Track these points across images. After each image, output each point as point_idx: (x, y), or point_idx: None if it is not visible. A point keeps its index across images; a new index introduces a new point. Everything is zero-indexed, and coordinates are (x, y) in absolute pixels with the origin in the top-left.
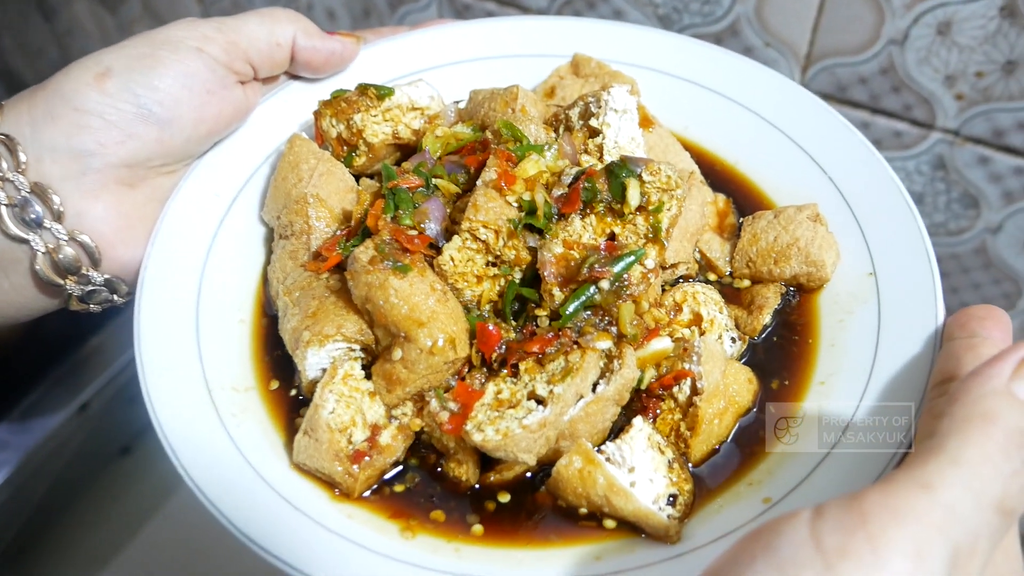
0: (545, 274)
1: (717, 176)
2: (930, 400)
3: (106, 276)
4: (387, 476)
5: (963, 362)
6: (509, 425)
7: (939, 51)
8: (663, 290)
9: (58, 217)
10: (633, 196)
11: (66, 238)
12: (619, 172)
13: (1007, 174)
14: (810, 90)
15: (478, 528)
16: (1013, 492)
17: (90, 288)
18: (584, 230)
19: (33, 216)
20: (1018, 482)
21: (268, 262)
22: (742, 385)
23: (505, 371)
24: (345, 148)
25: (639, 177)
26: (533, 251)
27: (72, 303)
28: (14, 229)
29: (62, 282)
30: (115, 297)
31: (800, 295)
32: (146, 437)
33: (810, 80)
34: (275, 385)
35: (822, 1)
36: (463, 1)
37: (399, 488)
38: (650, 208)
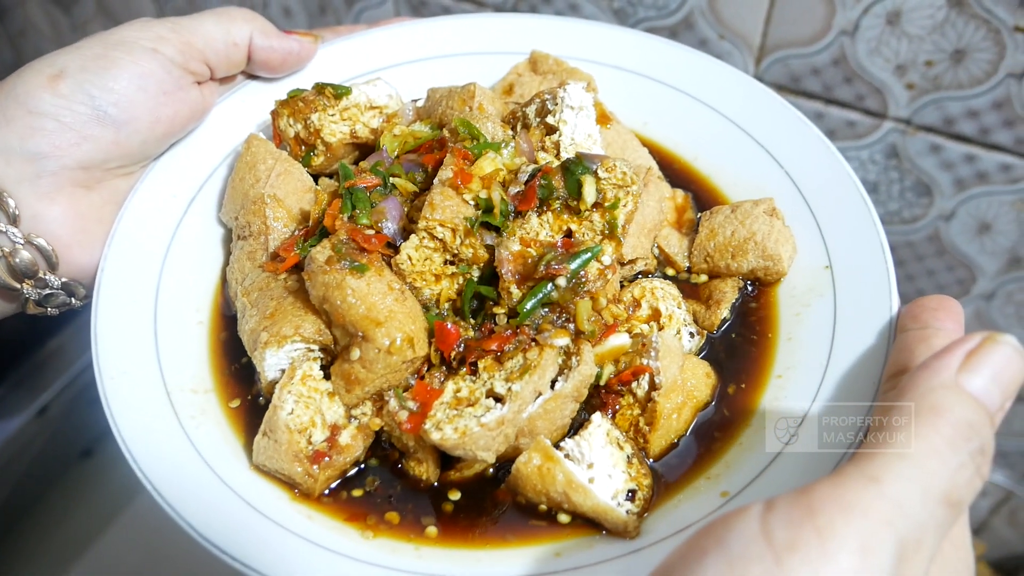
0: (502, 272)
1: (676, 172)
2: (883, 393)
3: (63, 279)
4: (348, 476)
5: (915, 354)
6: (467, 423)
7: (889, 41)
8: (621, 286)
9: (14, 221)
10: (589, 193)
11: (22, 242)
12: (575, 169)
13: (958, 162)
14: (764, 82)
15: (432, 530)
16: (960, 484)
17: (47, 292)
18: (541, 227)
19: None
20: (965, 474)
21: (227, 263)
22: (700, 380)
23: (464, 369)
24: (303, 148)
25: (595, 174)
26: (490, 249)
27: (29, 307)
28: None
29: (19, 286)
30: (73, 300)
31: (758, 289)
32: (107, 440)
33: (764, 71)
34: (234, 396)
35: None
36: None
37: (357, 493)
38: (606, 204)
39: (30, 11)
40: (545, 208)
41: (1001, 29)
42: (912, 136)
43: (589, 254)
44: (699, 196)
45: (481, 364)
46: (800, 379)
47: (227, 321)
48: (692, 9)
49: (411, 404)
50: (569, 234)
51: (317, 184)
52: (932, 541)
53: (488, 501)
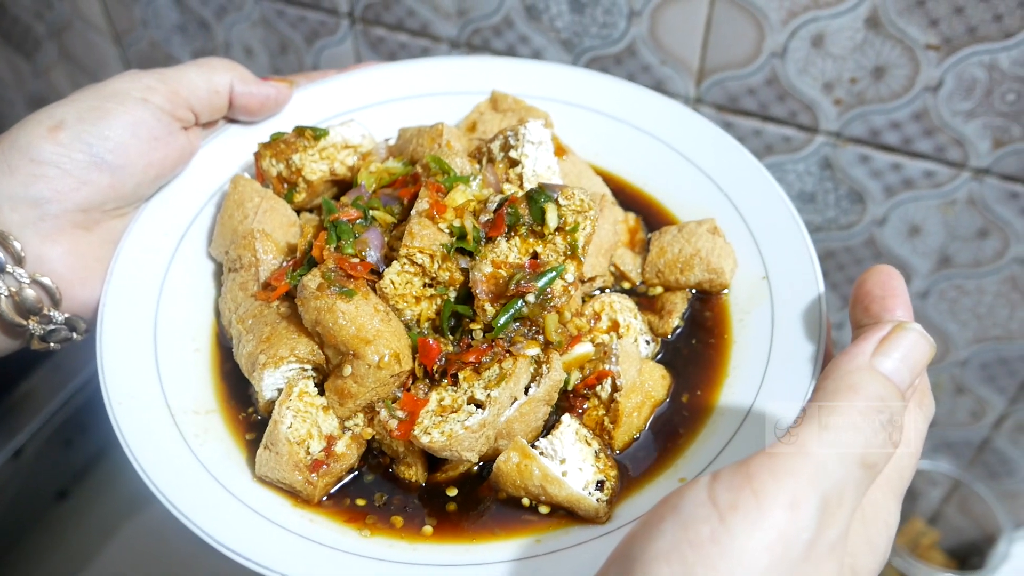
0: (477, 292)
1: (626, 197)
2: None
3: (66, 315)
4: (350, 488)
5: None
6: (453, 427)
7: (815, 61)
8: (583, 301)
9: (19, 261)
10: (551, 218)
11: (28, 280)
12: (538, 198)
13: (886, 170)
14: (704, 102)
15: (428, 529)
16: (873, 448)
17: (51, 327)
18: (510, 251)
19: None
20: (877, 440)
21: (219, 294)
22: (656, 381)
23: (446, 380)
24: (285, 186)
25: (556, 201)
26: (465, 271)
27: (34, 343)
28: None
29: (25, 323)
30: (74, 335)
31: (705, 300)
32: (83, 480)
33: (704, 93)
34: (234, 409)
35: (708, 20)
36: (376, 34)
37: (361, 502)
38: (567, 228)
39: None
40: (513, 233)
41: (914, 47)
42: (843, 148)
43: (554, 273)
44: (649, 218)
45: (461, 375)
46: (744, 377)
47: (222, 347)
48: (634, 38)
49: (400, 413)
50: (535, 256)
51: (299, 218)
52: (851, 497)
53: (473, 499)
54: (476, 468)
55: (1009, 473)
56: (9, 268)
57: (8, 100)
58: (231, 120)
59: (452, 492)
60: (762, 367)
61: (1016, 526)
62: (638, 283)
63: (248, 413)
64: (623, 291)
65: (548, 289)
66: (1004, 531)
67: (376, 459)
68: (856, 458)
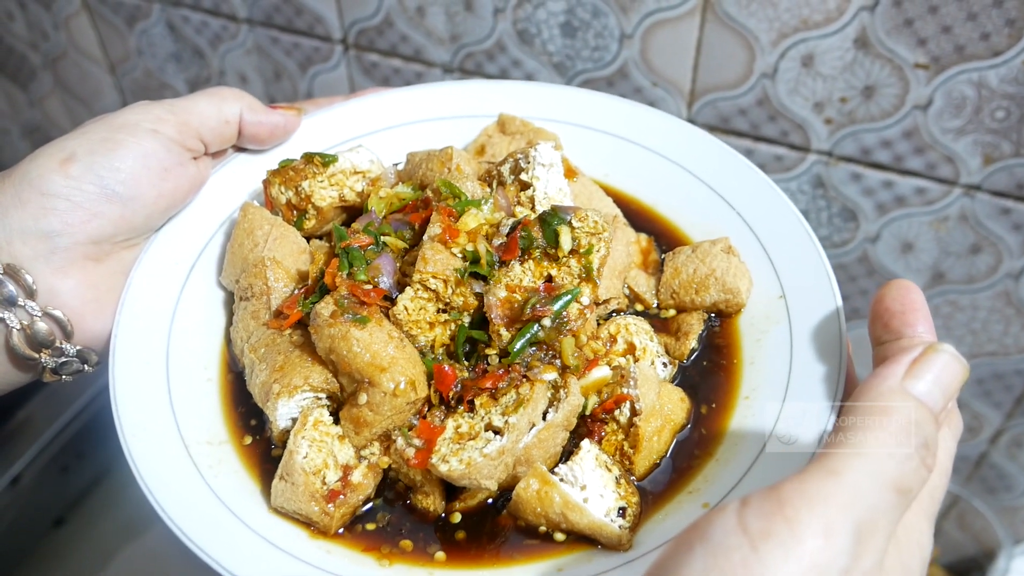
0: (492, 316)
1: (637, 217)
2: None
3: (78, 347)
4: (360, 513)
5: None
6: (471, 455)
7: (806, 81)
8: (598, 324)
9: (31, 295)
10: (565, 241)
11: (39, 314)
12: (551, 220)
13: (878, 188)
14: (697, 123)
15: (441, 555)
16: (907, 473)
17: (63, 360)
18: (524, 274)
19: (7, 295)
20: (911, 465)
21: (230, 323)
22: (676, 404)
23: (462, 407)
24: (295, 213)
25: (569, 224)
26: (479, 296)
27: (45, 375)
28: None
29: (37, 356)
30: (86, 367)
31: (721, 320)
32: (80, 507)
33: (696, 114)
34: (248, 440)
35: (699, 43)
36: (370, 59)
37: (371, 527)
38: (581, 251)
39: None
40: (526, 257)
41: (903, 67)
42: (834, 166)
43: (569, 296)
44: (660, 238)
45: (478, 401)
46: (764, 399)
47: (234, 377)
48: (626, 60)
49: (416, 442)
50: (549, 279)
51: (309, 246)
52: (886, 523)
53: (490, 527)
54: (490, 501)
55: (1007, 488)
56: (21, 301)
57: (3, 129)
58: (239, 148)
59: (456, 519)
60: (782, 388)
61: (1015, 541)
62: (653, 305)
63: (261, 443)
64: (638, 313)
65: (564, 312)
66: (1003, 546)
67: (392, 490)
68: (891, 483)
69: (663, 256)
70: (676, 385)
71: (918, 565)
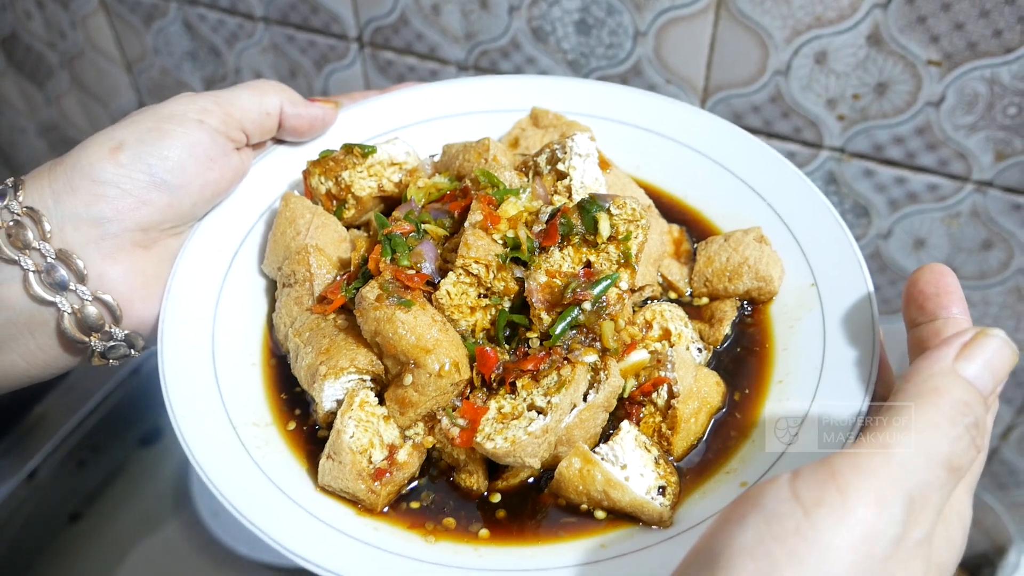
0: (533, 301)
1: (668, 209)
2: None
3: (126, 332)
4: (404, 492)
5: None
6: (516, 434)
7: (819, 78)
8: (633, 311)
9: (82, 279)
10: (604, 228)
11: (90, 298)
12: (590, 208)
13: (890, 184)
14: None
15: (485, 532)
16: (958, 452)
17: (111, 343)
18: (563, 260)
19: (59, 280)
20: (962, 444)
21: (271, 309)
22: (712, 387)
23: (503, 389)
24: (334, 202)
25: (608, 211)
26: (519, 281)
27: (94, 359)
28: (41, 293)
29: (87, 339)
30: (132, 351)
31: (753, 307)
32: (96, 502)
33: (709, 111)
34: (291, 425)
35: (712, 40)
36: (385, 57)
37: (415, 505)
38: (620, 237)
39: (4, 87)
40: (565, 243)
41: (916, 63)
42: (847, 163)
43: (609, 281)
44: (691, 229)
45: (519, 383)
46: (798, 383)
47: (277, 361)
48: (640, 57)
49: (461, 421)
50: (588, 265)
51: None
52: (937, 499)
53: (531, 506)
54: (531, 480)
55: (1018, 484)
56: (72, 286)
57: (20, 127)
58: (278, 141)
59: (496, 499)
60: (816, 373)
61: (1020, 538)
62: (686, 293)
63: (305, 426)
64: (671, 301)
65: (603, 297)
66: (1014, 541)
67: (436, 469)
68: (942, 461)
69: (695, 245)
70: (710, 370)
71: (960, 535)
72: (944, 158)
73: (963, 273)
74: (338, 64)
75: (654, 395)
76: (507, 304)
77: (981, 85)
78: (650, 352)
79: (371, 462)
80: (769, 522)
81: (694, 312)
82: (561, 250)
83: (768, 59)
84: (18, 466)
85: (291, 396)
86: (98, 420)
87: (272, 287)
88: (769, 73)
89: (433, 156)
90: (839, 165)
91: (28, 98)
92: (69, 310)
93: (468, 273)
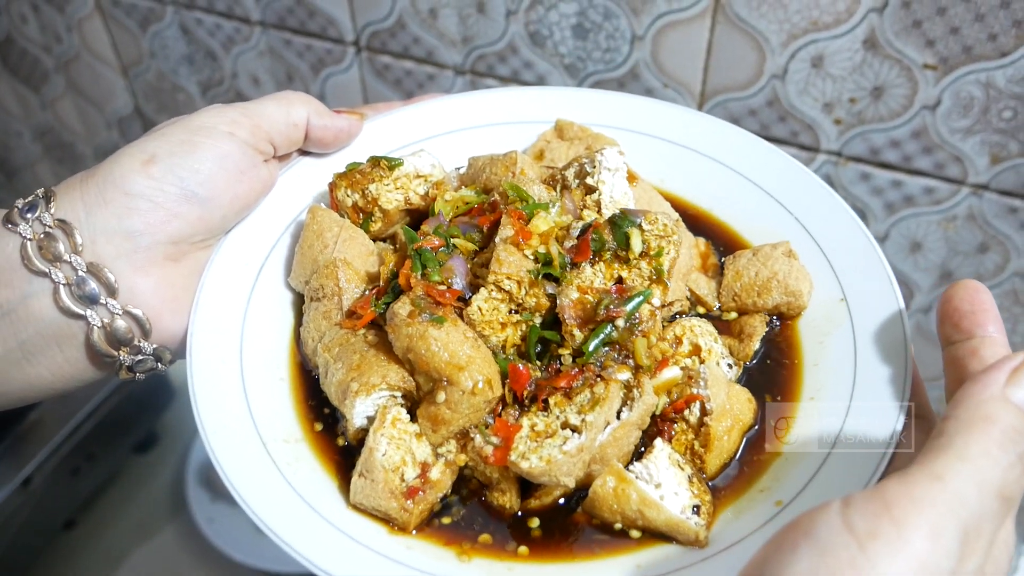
0: (565, 317)
1: (694, 222)
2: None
3: (154, 346)
4: (436, 511)
5: (968, 366)
6: (551, 452)
7: (815, 82)
8: (663, 326)
9: (112, 293)
10: (636, 244)
11: (120, 312)
12: (621, 223)
13: (887, 187)
14: None
15: (523, 549)
16: (1011, 481)
17: (139, 357)
18: (595, 276)
19: (89, 293)
20: (1015, 473)
21: (298, 323)
22: (744, 404)
23: (536, 406)
24: (360, 215)
25: (639, 227)
26: (551, 297)
27: (121, 373)
28: (72, 306)
29: (116, 353)
30: (159, 365)
31: (782, 322)
32: (90, 510)
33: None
34: (320, 429)
35: (709, 44)
36: (382, 61)
37: (447, 520)
38: (652, 253)
39: None
40: (597, 259)
41: (912, 67)
42: (844, 166)
43: (641, 297)
44: (717, 242)
45: (551, 400)
46: (830, 399)
47: (305, 376)
48: (637, 61)
49: (494, 439)
50: (620, 281)
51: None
52: (990, 529)
53: (564, 525)
54: (562, 500)
55: None
56: (103, 299)
57: (16, 132)
58: (303, 152)
59: (534, 523)
60: (848, 389)
61: (1019, 540)
62: (714, 307)
63: (335, 441)
64: (699, 316)
65: (636, 313)
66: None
67: (467, 487)
68: (995, 490)
69: (722, 260)
70: (742, 386)
71: (1006, 563)
72: (940, 161)
73: (959, 276)
74: (335, 68)
75: (686, 412)
76: (538, 320)
77: (976, 89)
78: (681, 368)
79: (403, 480)
80: (823, 554)
81: (723, 327)
82: (593, 266)
83: (765, 63)
84: (12, 473)
85: (320, 412)
86: (93, 427)
87: (299, 300)
88: (766, 77)
89: (459, 168)
90: (836, 169)
91: (23, 102)
92: (99, 324)
93: (500, 289)
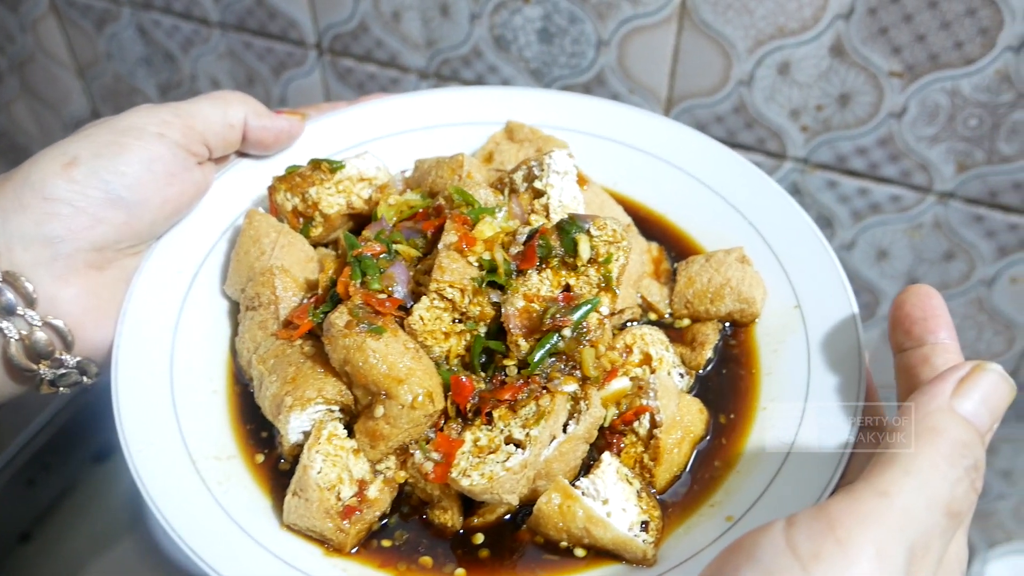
0: (510, 327)
1: (648, 226)
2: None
3: (78, 358)
4: (375, 529)
5: (919, 374)
6: (493, 469)
7: (782, 89)
8: (613, 334)
9: (31, 303)
10: (584, 250)
11: (39, 323)
12: (569, 229)
13: (853, 195)
14: None
15: (461, 572)
16: (959, 496)
17: (62, 371)
18: (541, 284)
19: (6, 304)
20: (962, 487)
21: (234, 333)
22: (695, 416)
23: (479, 420)
24: (300, 220)
25: (588, 232)
26: (496, 306)
27: (43, 387)
28: None
29: (36, 367)
30: (84, 379)
31: (736, 330)
32: (46, 522)
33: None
34: (260, 458)
35: (675, 50)
36: (345, 64)
37: (387, 543)
38: (600, 260)
39: None
40: (544, 266)
41: (878, 75)
42: (810, 174)
43: (589, 305)
44: (671, 247)
45: (496, 414)
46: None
47: (241, 389)
48: (603, 67)
49: (435, 455)
50: (567, 288)
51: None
52: (938, 546)
53: (508, 543)
54: (507, 516)
55: (981, 493)
56: (20, 310)
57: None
58: (241, 154)
59: (479, 540)
60: (801, 398)
61: (989, 545)
62: (666, 314)
63: (272, 458)
64: (651, 323)
65: (584, 323)
66: (977, 552)
67: (407, 505)
68: (943, 506)
69: (675, 265)
70: (693, 396)
71: None
72: (906, 169)
73: (926, 284)
74: (297, 71)
75: (636, 424)
76: (483, 329)
77: (942, 97)
78: (631, 379)
79: (340, 499)
80: None
81: (675, 335)
82: (539, 273)
83: (731, 69)
84: None
85: (256, 426)
86: (49, 437)
87: (236, 309)
88: (732, 83)
89: (404, 171)
90: (803, 176)
91: None
92: (16, 336)
93: (442, 298)
